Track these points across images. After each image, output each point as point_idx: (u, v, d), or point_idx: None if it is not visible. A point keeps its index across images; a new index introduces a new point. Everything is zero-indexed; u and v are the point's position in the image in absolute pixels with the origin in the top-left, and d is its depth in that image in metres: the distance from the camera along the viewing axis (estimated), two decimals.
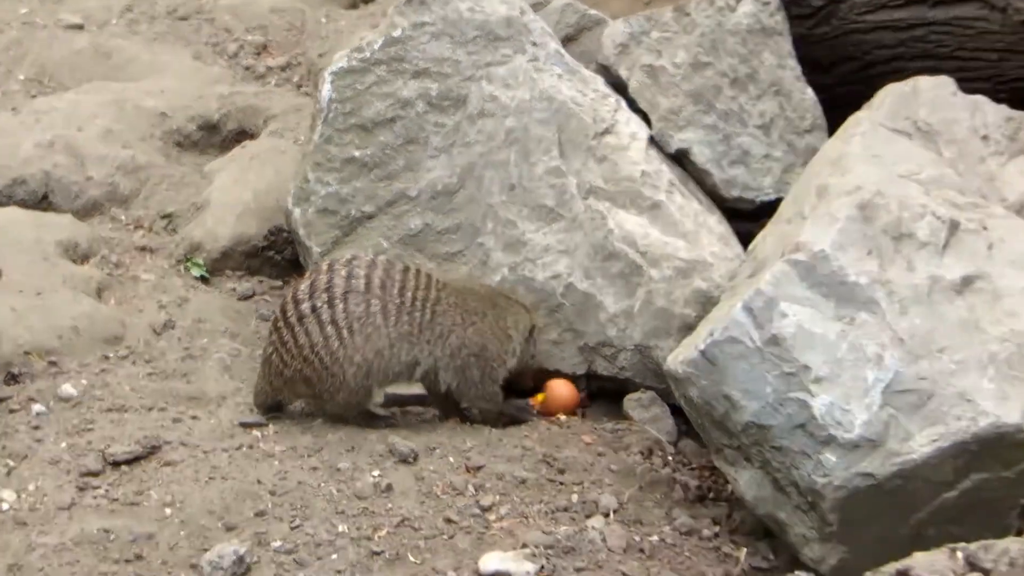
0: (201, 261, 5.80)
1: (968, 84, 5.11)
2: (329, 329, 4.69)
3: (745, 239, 5.26)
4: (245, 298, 5.72)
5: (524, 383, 5.21)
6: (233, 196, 5.95)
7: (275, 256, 5.90)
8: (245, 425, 4.76)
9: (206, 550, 4.05)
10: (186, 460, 4.46)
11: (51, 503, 4.25)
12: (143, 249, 5.88)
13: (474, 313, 4.91)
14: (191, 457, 4.48)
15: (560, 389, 5.24)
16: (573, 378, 5.30)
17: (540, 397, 5.22)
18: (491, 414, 4.98)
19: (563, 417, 5.11)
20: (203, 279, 5.76)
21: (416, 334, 4.78)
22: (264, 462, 4.49)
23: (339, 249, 5.32)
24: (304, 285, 4.78)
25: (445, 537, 4.23)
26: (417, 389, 5.05)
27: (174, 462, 4.45)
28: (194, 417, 4.79)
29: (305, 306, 4.73)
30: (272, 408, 4.89)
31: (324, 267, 4.82)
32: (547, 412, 5.17)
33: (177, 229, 6.01)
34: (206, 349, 5.26)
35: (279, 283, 5.85)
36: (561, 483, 4.61)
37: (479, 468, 4.58)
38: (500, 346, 4.96)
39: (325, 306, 4.70)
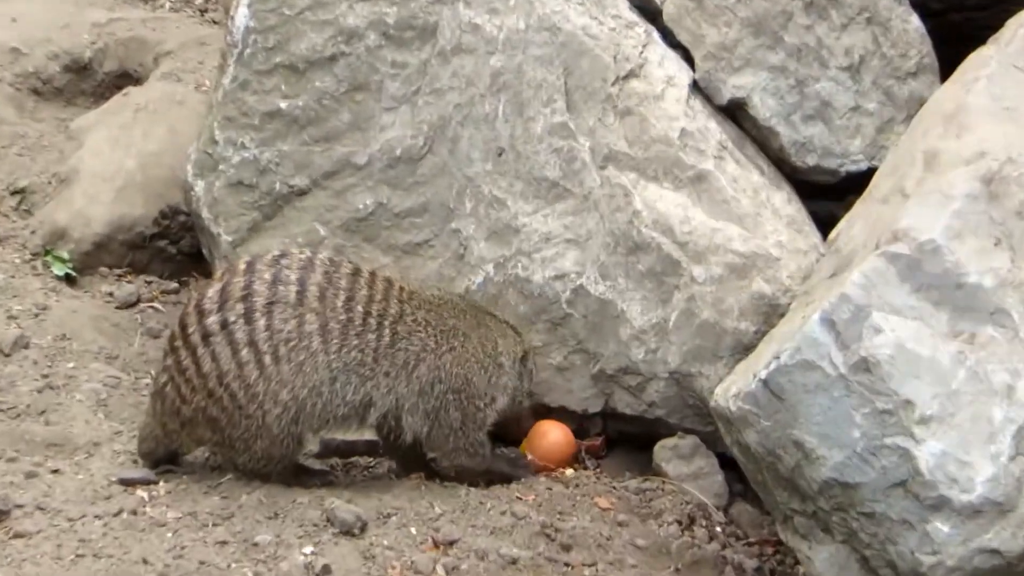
0: (66, 254, 5.84)
1: None
2: (245, 353, 4.70)
3: (825, 224, 5.29)
4: (127, 306, 5.74)
5: (513, 432, 5.23)
6: (111, 164, 5.99)
7: (169, 248, 5.93)
8: (127, 482, 4.77)
9: None
10: (44, 530, 4.47)
11: None
12: None
13: (453, 334, 4.93)
14: (51, 526, 4.49)
15: (548, 433, 5.25)
16: (581, 418, 5.32)
17: (522, 446, 5.26)
18: (471, 471, 4.99)
19: (569, 472, 5.14)
20: (68, 279, 5.79)
21: (370, 364, 4.79)
22: (152, 534, 4.50)
23: (258, 238, 5.35)
24: (212, 291, 4.79)
25: None
26: (368, 434, 5.07)
27: (27, 533, 4.46)
28: (55, 471, 4.80)
29: (213, 320, 4.73)
30: (164, 459, 4.91)
31: (241, 267, 4.82)
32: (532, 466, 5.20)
33: (33, 210, 6.03)
34: (72, 377, 5.28)
35: (174, 285, 5.88)
36: (567, 564, 4.63)
37: (452, 543, 4.60)
38: (488, 379, 4.99)
39: (240, 321, 4.71)
